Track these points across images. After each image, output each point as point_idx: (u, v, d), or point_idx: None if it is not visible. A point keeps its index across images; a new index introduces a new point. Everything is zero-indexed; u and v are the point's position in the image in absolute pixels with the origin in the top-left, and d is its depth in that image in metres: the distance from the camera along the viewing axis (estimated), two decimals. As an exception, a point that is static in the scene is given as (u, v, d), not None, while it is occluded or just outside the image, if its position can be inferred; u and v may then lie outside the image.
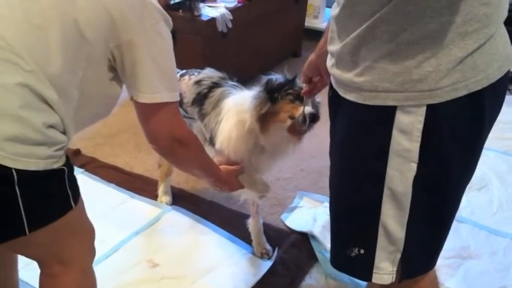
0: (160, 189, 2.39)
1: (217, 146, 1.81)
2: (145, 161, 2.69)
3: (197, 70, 2.08)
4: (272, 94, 1.69)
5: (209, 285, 1.96)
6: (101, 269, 1.97)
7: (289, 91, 1.69)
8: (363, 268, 1.21)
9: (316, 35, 4.26)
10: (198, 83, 1.98)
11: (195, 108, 1.96)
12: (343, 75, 1.11)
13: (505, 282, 1.96)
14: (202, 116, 1.93)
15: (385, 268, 1.19)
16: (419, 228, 1.15)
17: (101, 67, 1.25)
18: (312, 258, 2.06)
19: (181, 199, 2.40)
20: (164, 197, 2.38)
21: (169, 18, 1.30)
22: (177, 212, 2.32)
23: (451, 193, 1.16)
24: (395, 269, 1.19)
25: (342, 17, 1.08)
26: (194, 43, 2.97)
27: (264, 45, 3.51)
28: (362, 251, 1.19)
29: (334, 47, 1.14)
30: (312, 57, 1.46)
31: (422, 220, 1.14)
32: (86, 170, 2.58)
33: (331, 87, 1.23)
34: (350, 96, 1.11)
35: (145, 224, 2.24)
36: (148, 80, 1.25)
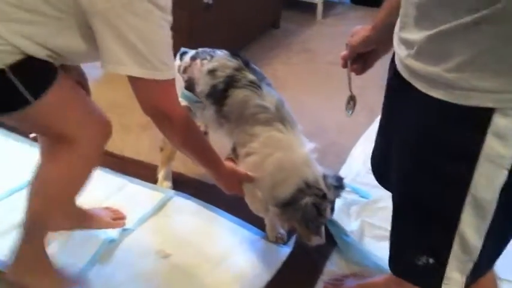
0: (161, 174, 2.29)
1: (243, 165, 1.78)
2: (135, 144, 2.57)
3: (208, 52, 1.97)
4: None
5: (226, 276, 1.89)
6: (107, 260, 1.91)
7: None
8: (431, 278, 1.16)
9: (295, 4, 4.24)
10: (212, 73, 1.89)
11: (211, 104, 1.89)
12: (427, 69, 1.03)
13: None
14: (223, 119, 1.86)
15: (455, 278, 1.14)
16: (495, 237, 1.10)
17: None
18: (331, 243, 2.02)
19: (182, 184, 2.30)
20: (165, 182, 2.29)
21: (164, 5, 1.34)
22: (181, 198, 2.23)
23: None
24: (465, 279, 1.14)
25: (428, 5, 1.00)
26: (179, 17, 2.82)
27: (244, 17, 3.40)
28: (431, 260, 1.15)
29: (411, 35, 1.06)
30: (367, 32, 1.38)
31: (501, 229, 1.10)
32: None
33: (394, 74, 1.16)
34: (435, 93, 1.03)
35: (150, 211, 2.14)
36: (111, 51, 1.33)
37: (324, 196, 1.71)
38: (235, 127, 1.86)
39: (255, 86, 1.83)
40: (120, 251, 1.97)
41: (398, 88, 1.16)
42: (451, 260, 1.12)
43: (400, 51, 1.11)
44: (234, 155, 1.83)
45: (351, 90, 1.53)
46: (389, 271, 1.78)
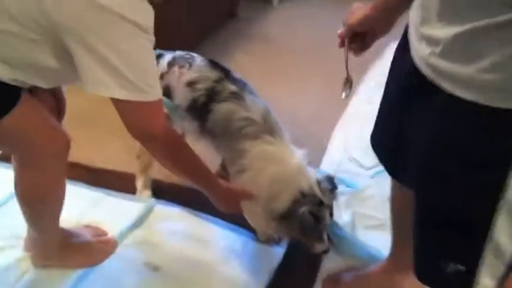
0: (140, 183, 2.19)
1: (236, 183, 1.74)
2: (107, 153, 2.45)
3: (186, 58, 1.90)
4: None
5: (222, 285, 1.83)
6: (93, 278, 1.82)
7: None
8: (461, 285, 1.12)
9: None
10: (191, 85, 1.81)
11: (193, 119, 1.83)
12: (456, 69, 0.96)
13: None
14: (208, 134, 1.81)
15: (486, 284, 1.09)
16: None
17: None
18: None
19: (162, 191, 2.21)
20: (145, 191, 2.19)
21: (146, 25, 1.27)
22: (164, 206, 2.14)
23: None
24: (495, 283, 1.10)
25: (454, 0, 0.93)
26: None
27: (200, 10, 3.30)
28: (461, 267, 1.10)
29: (435, 31, 0.99)
30: (366, 11, 1.31)
31: None
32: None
33: (411, 70, 1.09)
34: (467, 95, 0.96)
35: (133, 223, 2.04)
36: (92, 71, 1.26)
37: (320, 203, 1.68)
38: (221, 142, 1.82)
39: (237, 97, 1.78)
40: (107, 267, 1.87)
41: (417, 86, 1.09)
42: (482, 266, 1.08)
43: (420, 47, 1.04)
44: (225, 173, 1.77)
45: (347, 71, 1.47)
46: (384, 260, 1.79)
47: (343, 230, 1.98)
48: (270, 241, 1.99)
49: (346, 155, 2.41)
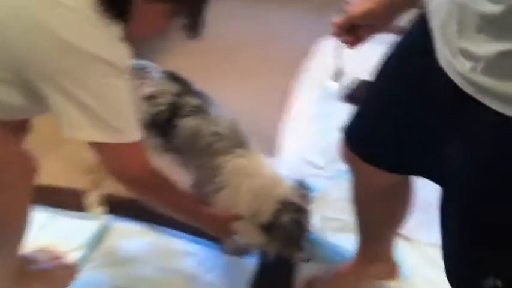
0: (92, 199, 2.05)
1: (216, 203, 1.68)
2: (49, 168, 2.25)
3: (141, 66, 1.79)
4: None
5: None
6: None
7: None
8: None
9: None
10: (150, 99, 1.72)
11: (155, 135, 1.75)
12: (504, 87, 0.90)
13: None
14: (173, 151, 1.75)
15: None
16: None
17: None
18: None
19: (117, 207, 2.06)
20: (99, 208, 2.05)
21: (122, 65, 1.25)
22: (123, 223, 2.01)
23: None
24: None
25: (502, 18, 0.87)
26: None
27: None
28: (499, 283, 1.07)
29: (475, 47, 0.92)
30: (374, 6, 1.27)
31: None
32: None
33: (444, 82, 1.02)
34: None
35: (91, 243, 1.91)
36: (66, 113, 1.23)
37: (300, 209, 1.66)
38: (190, 160, 1.76)
39: (201, 111, 1.73)
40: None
41: (454, 101, 1.03)
42: None
43: (457, 62, 0.97)
44: (200, 194, 1.69)
45: (339, 63, 1.44)
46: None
47: (313, 233, 1.96)
48: (238, 252, 1.93)
49: (299, 159, 2.40)
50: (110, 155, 1.34)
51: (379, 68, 1.35)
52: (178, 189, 1.56)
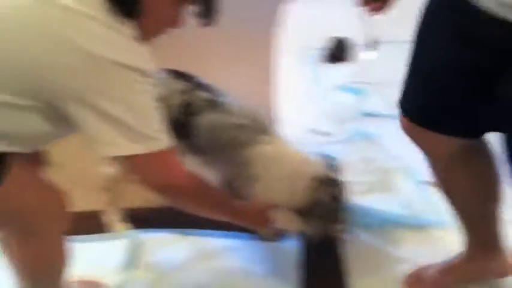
0: (112, 218, 1.95)
1: (252, 197, 1.61)
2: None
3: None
4: None
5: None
6: None
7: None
8: None
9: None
10: (162, 102, 1.64)
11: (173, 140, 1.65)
12: None
13: None
14: (195, 152, 1.68)
15: None
16: None
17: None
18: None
19: (139, 220, 1.97)
20: (123, 225, 1.96)
21: (147, 69, 1.20)
22: (153, 234, 1.94)
23: None
24: None
25: None
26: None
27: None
28: None
29: None
30: None
31: None
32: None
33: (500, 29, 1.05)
34: None
35: (128, 264, 1.82)
36: (98, 132, 1.18)
37: (333, 182, 1.62)
38: (215, 157, 1.68)
39: (214, 104, 1.65)
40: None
41: (505, 42, 1.05)
42: None
43: None
44: (233, 192, 1.63)
45: (370, 32, 1.41)
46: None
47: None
48: (276, 237, 1.91)
49: (303, 128, 2.37)
50: (148, 168, 1.28)
51: (417, 30, 1.32)
52: (214, 190, 1.52)
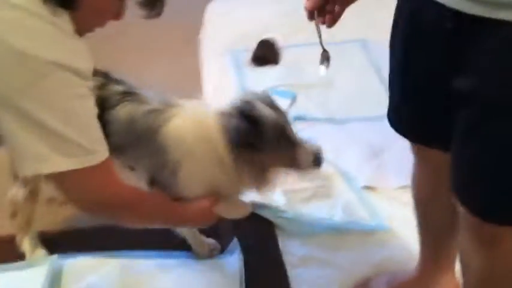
0: (27, 243, 1.74)
1: (184, 192, 1.43)
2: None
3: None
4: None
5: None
6: None
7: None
8: None
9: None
10: None
11: None
12: None
13: None
14: (115, 151, 1.40)
15: None
16: None
17: None
18: (270, 227, 1.82)
19: (56, 244, 1.77)
20: (38, 251, 1.75)
21: (84, 68, 1.05)
22: (73, 259, 1.72)
23: None
24: None
25: None
26: None
27: None
28: None
29: None
30: None
31: None
32: None
33: (440, 17, 1.00)
34: None
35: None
36: (25, 145, 1.03)
37: (246, 109, 1.38)
38: (135, 154, 1.48)
39: (129, 95, 1.47)
40: None
41: (459, 31, 0.99)
42: None
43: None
44: (161, 189, 1.46)
45: (322, 45, 1.31)
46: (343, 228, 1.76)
47: (287, 212, 1.84)
48: (214, 253, 1.77)
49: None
50: (82, 184, 1.13)
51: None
52: (152, 197, 1.38)
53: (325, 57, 1.32)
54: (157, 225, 1.46)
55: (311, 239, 1.79)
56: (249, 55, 2.65)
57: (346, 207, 1.87)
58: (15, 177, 1.61)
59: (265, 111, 1.37)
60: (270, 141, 1.37)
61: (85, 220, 1.76)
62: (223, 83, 2.52)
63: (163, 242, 1.73)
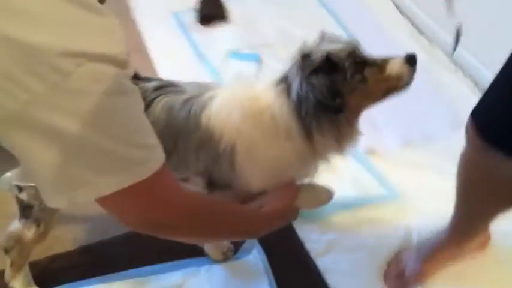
0: (20, 281, 1.49)
1: (250, 185, 1.24)
2: None
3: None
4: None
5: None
6: None
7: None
8: None
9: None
10: None
11: None
12: None
13: None
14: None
15: None
16: None
17: None
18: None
19: (50, 276, 1.55)
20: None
21: (112, 53, 0.74)
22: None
23: None
24: None
25: None
26: None
27: None
28: None
29: None
30: None
31: None
32: None
33: None
34: None
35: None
36: (56, 171, 0.75)
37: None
38: (182, 157, 1.25)
39: (162, 89, 1.27)
40: None
41: None
42: None
43: None
44: (212, 189, 1.27)
45: (453, 16, 1.13)
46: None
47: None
48: (229, 254, 1.63)
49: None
50: (136, 204, 0.85)
51: None
52: (222, 202, 1.15)
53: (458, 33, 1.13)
54: (233, 238, 1.30)
55: (330, 224, 1.69)
56: (194, 15, 2.41)
57: (354, 180, 1.78)
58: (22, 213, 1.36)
59: (333, 47, 1.16)
60: (356, 78, 1.16)
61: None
62: (175, 52, 2.27)
63: (169, 253, 1.57)
